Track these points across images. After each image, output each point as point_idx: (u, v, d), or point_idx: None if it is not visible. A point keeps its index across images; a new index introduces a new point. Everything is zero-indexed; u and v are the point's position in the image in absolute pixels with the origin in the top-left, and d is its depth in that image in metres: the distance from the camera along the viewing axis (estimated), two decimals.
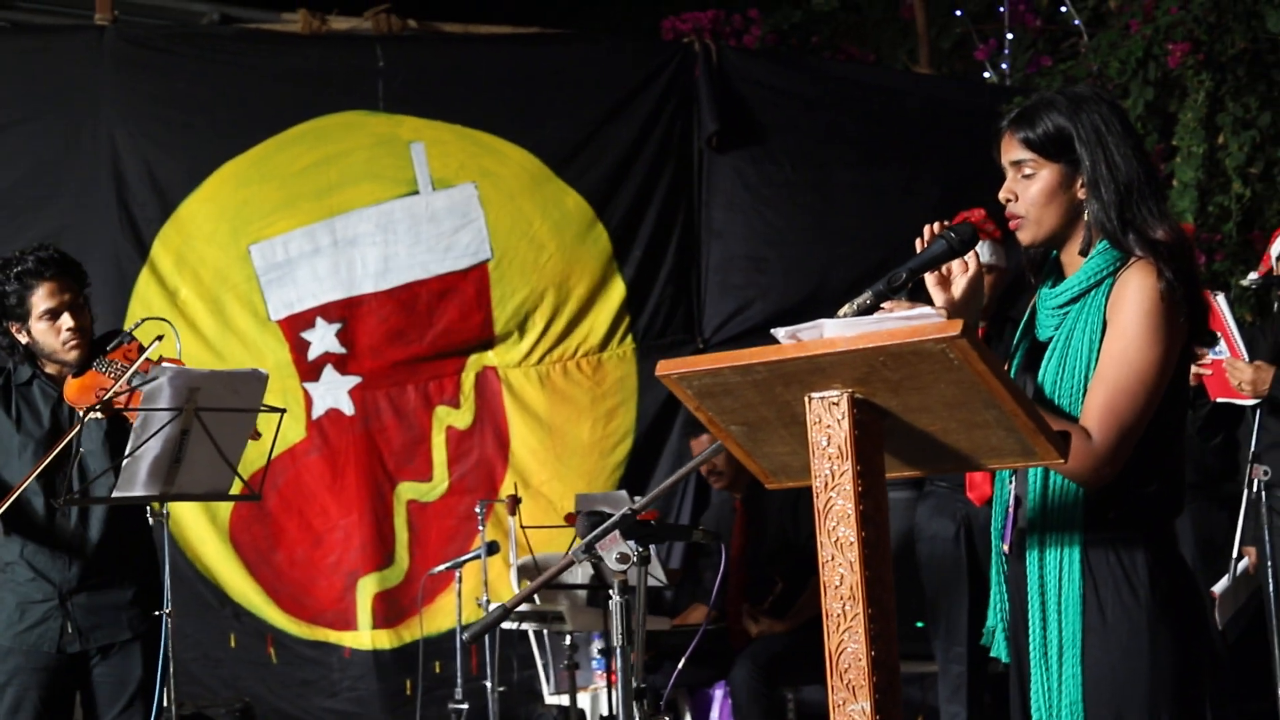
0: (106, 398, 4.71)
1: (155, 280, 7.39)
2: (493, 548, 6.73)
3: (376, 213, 7.70)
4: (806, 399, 2.77)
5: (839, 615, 2.73)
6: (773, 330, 2.81)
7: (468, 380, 7.81)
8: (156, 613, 4.92)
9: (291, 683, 7.44)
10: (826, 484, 2.75)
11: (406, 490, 7.69)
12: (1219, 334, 5.88)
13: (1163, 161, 8.55)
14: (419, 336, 7.74)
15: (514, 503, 6.95)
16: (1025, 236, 3.24)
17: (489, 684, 6.59)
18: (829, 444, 2.75)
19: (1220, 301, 5.94)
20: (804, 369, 2.73)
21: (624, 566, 3.25)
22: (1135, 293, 3.04)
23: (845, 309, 3.09)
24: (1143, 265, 3.05)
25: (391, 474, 7.68)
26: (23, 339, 5.00)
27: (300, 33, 7.75)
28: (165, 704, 4.98)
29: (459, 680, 6.77)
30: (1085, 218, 3.17)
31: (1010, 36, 9.48)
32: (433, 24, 8.00)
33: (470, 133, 7.86)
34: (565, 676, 6.64)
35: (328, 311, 7.63)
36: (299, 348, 7.59)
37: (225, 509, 7.37)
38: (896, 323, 2.67)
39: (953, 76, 9.80)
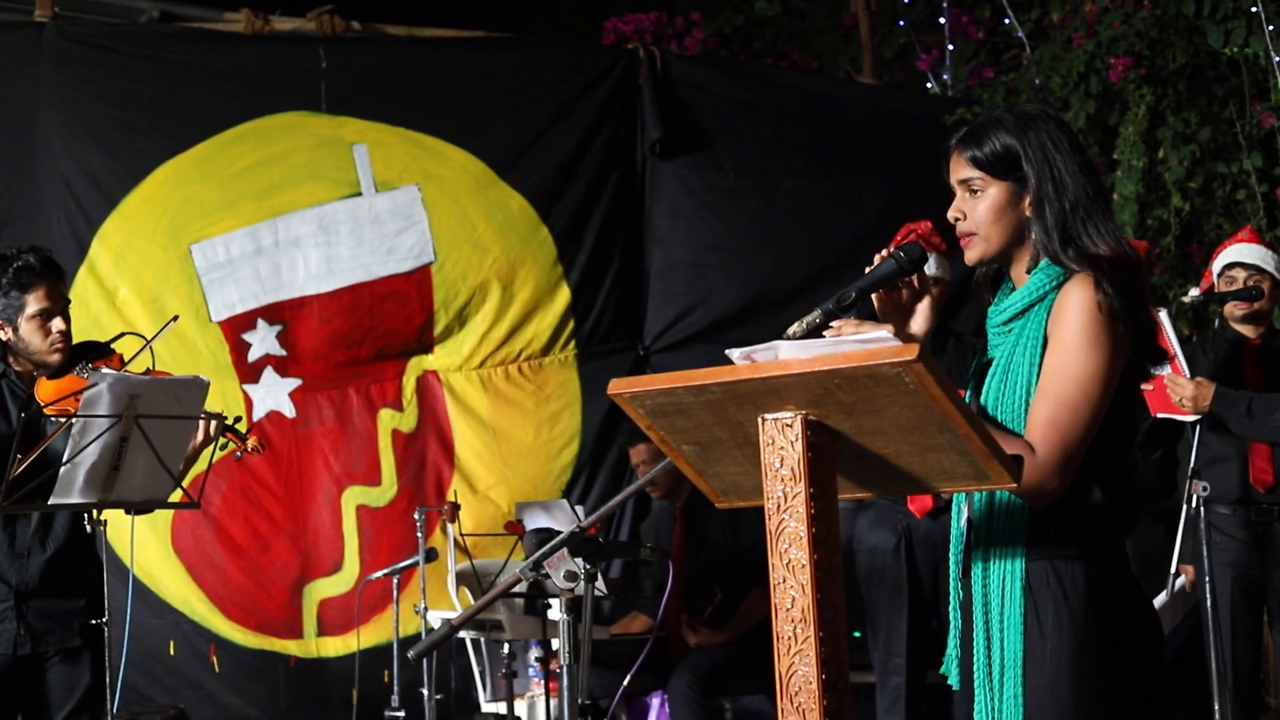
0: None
1: (94, 279, 7.30)
2: (431, 554, 6.70)
3: (319, 214, 7.64)
4: (760, 420, 2.76)
5: (790, 638, 2.72)
6: (727, 351, 2.80)
7: (409, 383, 7.76)
8: (94, 621, 4.88)
9: (235, 691, 7.35)
10: (779, 506, 2.74)
11: (355, 495, 7.62)
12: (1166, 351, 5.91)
13: (1103, 175, 8.59)
14: (360, 339, 7.67)
15: (453, 509, 6.92)
16: (973, 254, 3.24)
17: (425, 691, 6.54)
18: (782, 466, 2.74)
19: (1163, 317, 5.97)
20: (758, 390, 2.72)
21: (571, 584, 3.23)
22: (1073, 306, 3.04)
23: (794, 328, 3.08)
24: (1081, 279, 3.06)
25: (338, 478, 7.61)
26: (3, 335, 4.99)
27: (243, 32, 7.68)
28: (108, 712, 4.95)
29: (395, 688, 6.73)
30: (1030, 235, 3.18)
31: (951, 47, 9.50)
32: (376, 26, 7.95)
33: (413, 135, 7.81)
34: (503, 684, 6.61)
35: (269, 313, 7.56)
36: (239, 349, 7.51)
37: (166, 514, 7.27)
38: (852, 345, 2.66)
39: (896, 86, 9.82)
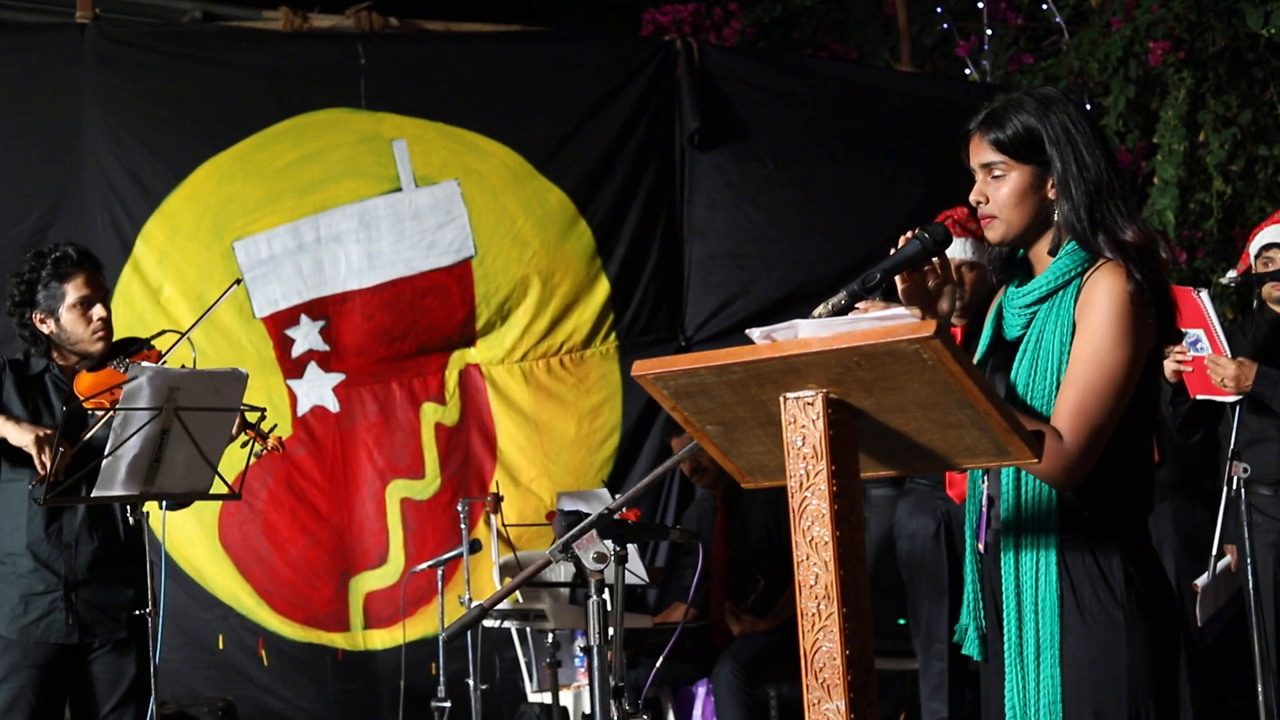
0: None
1: (139, 278, 7.37)
2: (474, 546, 6.73)
3: (359, 210, 7.69)
4: (782, 399, 2.78)
5: (814, 614, 2.74)
6: (748, 331, 2.83)
7: (451, 377, 7.81)
8: (138, 612, 4.94)
9: (283, 684, 7.41)
10: (801, 484, 2.76)
11: (399, 488, 7.67)
12: (1200, 330, 5.90)
13: (1144, 159, 8.58)
14: (403, 333, 7.72)
15: (495, 501, 6.96)
16: (994, 235, 3.26)
17: (471, 682, 6.58)
18: (804, 444, 2.76)
19: (1203, 298, 5.96)
20: (779, 369, 2.74)
21: (601, 566, 3.26)
22: (1104, 295, 3.06)
23: (820, 309, 3.11)
24: (1112, 267, 3.07)
25: (382, 471, 7.67)
26: (46, 329, 5.10)
27: (282, 30, 7.73)
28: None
29: (441, 679, 6.77)
30: (1055, 218, 3.19)
31: (990, 34, 9.49)
32: (414, 22, 7.98)
33: (452, 130, 7.85)
34: (548, 674, 6.65)
35: (311, 309, 7.61)
36: (283, 345, 7.57)
37: (213, 509, 7.34)
38: (871, 323, 2.68)
39: (934, 74, 9.81)
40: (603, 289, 8.02)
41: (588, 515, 3.35)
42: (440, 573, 6.80)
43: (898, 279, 3.26)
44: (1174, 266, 7.16)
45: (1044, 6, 9.38)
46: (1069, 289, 3.14)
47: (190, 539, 7.34)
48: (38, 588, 5.07)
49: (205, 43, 7.75)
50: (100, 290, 5.18)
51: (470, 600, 6.68)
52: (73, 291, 5.10)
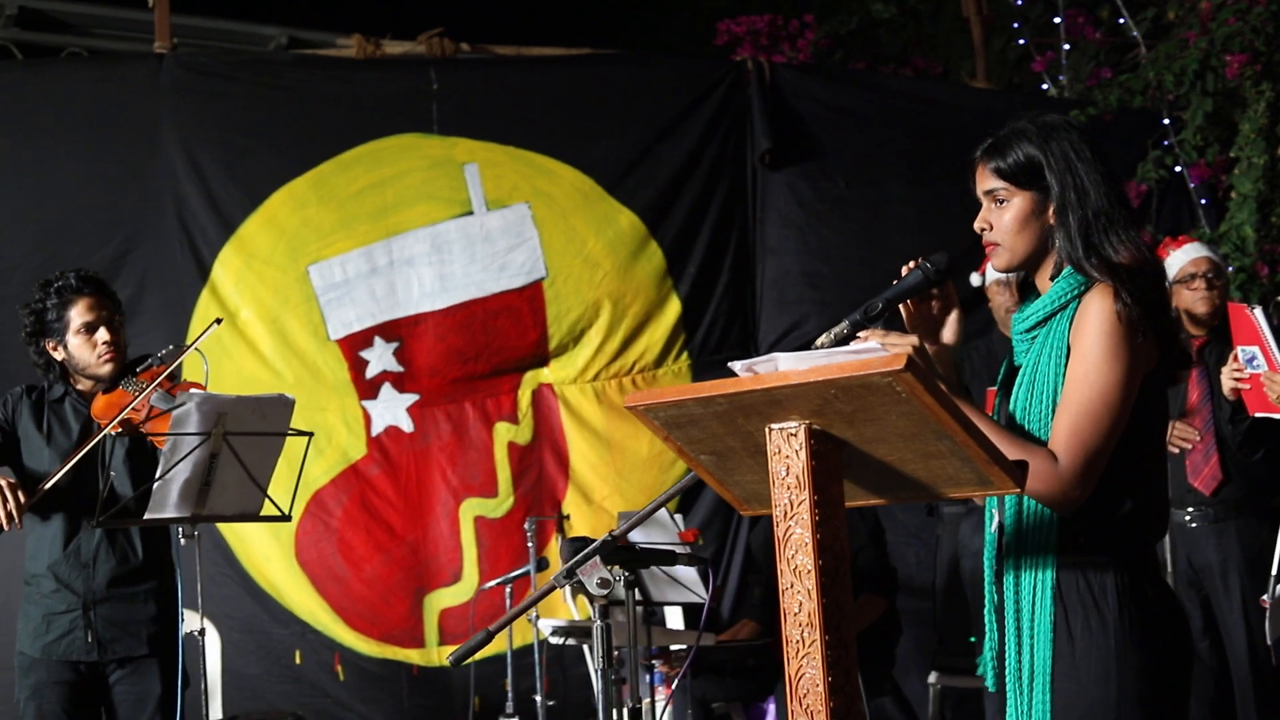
0: (122, 414, 4.91)
1: (216, 301, 7.54)
2: (542, 564, 6.82)
3: (432, 233, 7.82)
4: (767, 430, 2.84)
5: (798, 641, 2.80)
6: (730, 363, 2.89)
7: (524, 397, 7.91)
8: (190, 630, 5.07)
9: (359, 699, 7.55)
10: (786, 513, 2.82)
11: (473, 506, 7.78)
12: (1256, 347, 5.86)
13: (1223, 173, 8.51)
14: (475, 354, 7.83)
15: (560, 520, 7.04)
16: (999, 262, 3.30)
17: (538, 698, 6.68)
18: (788, 474, 2.82)
19: (1258, 315, 5.92)
20: (762, 401, 2.80)
21: (604, 592, 3.33)
22: (1094, 316, 3.09)
23: (823, 338, 3.18)
24: (1102, 288, 3.10)
25: (456, 490, 7.78)
26: (58, 356, 5.25)
27: (355, 57, 7.90)
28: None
29: (510, 694, 6.87)
30: (1054, 243, 3.23)
31: (1067, 48, 9.45)
32: (485, 47, 8.11)
33: (523, 154, 7.96)
34: (623, 690, 6.71)
35: (385, 330, 7.74)
36: (357, 366, 7.70)
37: (289, 527, 7.48)
38: (846, 357, 2.73)
39: (1008, 90, 9.79)
40: (674, 309, 8.09)
41: (591, 541, 3.41)
42: (509, 590, 6.90)
43: (902, 308, 3.31)
44: (1257, 282, 7.14)
45: (1120, 21, 9.34)
46: (1065, 313, 3.18)
47: (267, 556, 7.49)
48: (59, 607, 5.21)
49: (280, 71, 7.91)
50: (105, 313, 5.30)
51: (537, 619, 6.78)
52: (77, 317, 5.23)
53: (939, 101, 8.80)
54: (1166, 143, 8.50)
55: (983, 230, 3.32)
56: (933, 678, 7.29)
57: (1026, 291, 3.37)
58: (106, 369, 5.25)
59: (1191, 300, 6.46)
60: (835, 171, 8.39)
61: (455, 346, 7.80)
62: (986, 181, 3.31)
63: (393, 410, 7.74)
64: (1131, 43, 9.41)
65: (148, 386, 5.05)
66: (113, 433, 5.04)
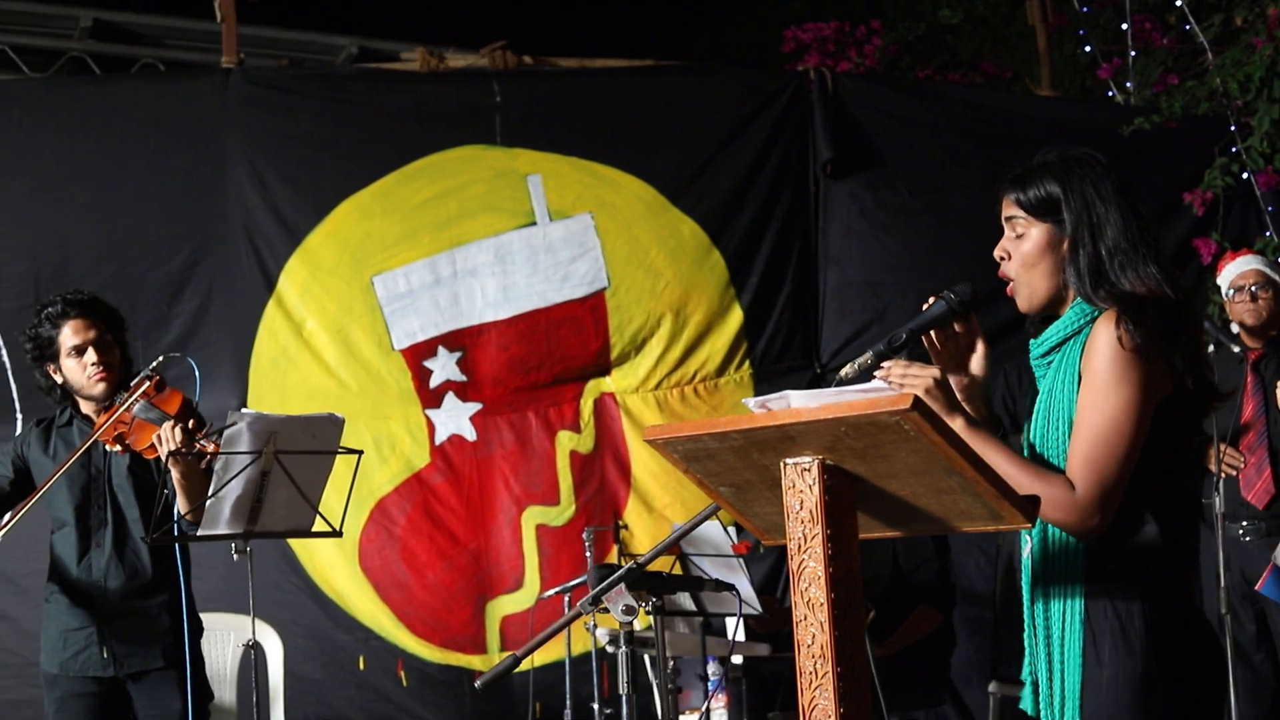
0: (104, 426, 5.02)
1: (282, 312, 7.65)
2: None
3: (495, 244, 7.90)
4: (782, 464, 2.89)
5: (811, 673, 2.84)
6: (743, 400, 2.94)
7: (587, 406, 7.97)
8: (247, 642, 5.16)
9: (422, 704, 7.63)
10: (800, 546, 2.87)
11: (535, 514, 7.85)
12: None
13: None
14: (538, 364, 7.90)
15: (617, 529, 7.10)
16: (1021, 303, 3.36)
17: (595, 706, 6.74)
18: (801, 508, 2.86)
19: None
20: (775, 437, 2.85)
21: (630, 618, 3.38)
22: (1100, 343, 3.13)
23: (848, 369, 3.22)
24: (1106, 316, 3.15)
25: (518, 498, 7.85)
26: (59, 379, 5.35)
27: (419, 71, 7.98)
28: None
29: (568, 703, 6.93)
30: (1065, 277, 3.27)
31: (1134, 55, 9.40)
32: (548, 59, 8.17)
33: (586, 164, 8.02)
34: (686, 696, 6.77)
35: (449, 340, 7.82)
36: (421, 376, 7.79)
37: (353, 536, 7.58)
38: (854, 395, 2.78)
39: (1073, 97, 9.75)
40: (736, 318, 8.13)
41: (617, 568, 3.47)
42: (567, 599, 6.95)
43: (925, 340, 3.35)
44: None
45: (1187, 27, 9.28)
46: (1077, 339, 3.22)
47: (331, 564, 7.59)
48: (74, 624, 5.34)
49: (345, 85, 8.01)
50: (94, 334, 5.37)
51: (595, 627, 6.84)
52: (66, 340, 5.33)
53: (1003, 109, 8.77)
54: (1234, 149, 8.44)
55: (1001, 259, 3.37)
56: (993, 687, 7.29)
57: (1046, 325, 3.40)
58: (99, 389, 5.34)
59: (1240, 312, 6.47)
60: (898, 180, 8.39)
61: (518, 356, 7.87)
62: (1008, 209, 3.37)
63: (456, 419, 7.82)
64: (1198, 49, 9.36)
65: (129, 398, 5.13)
66: (108, 448, 5.16)
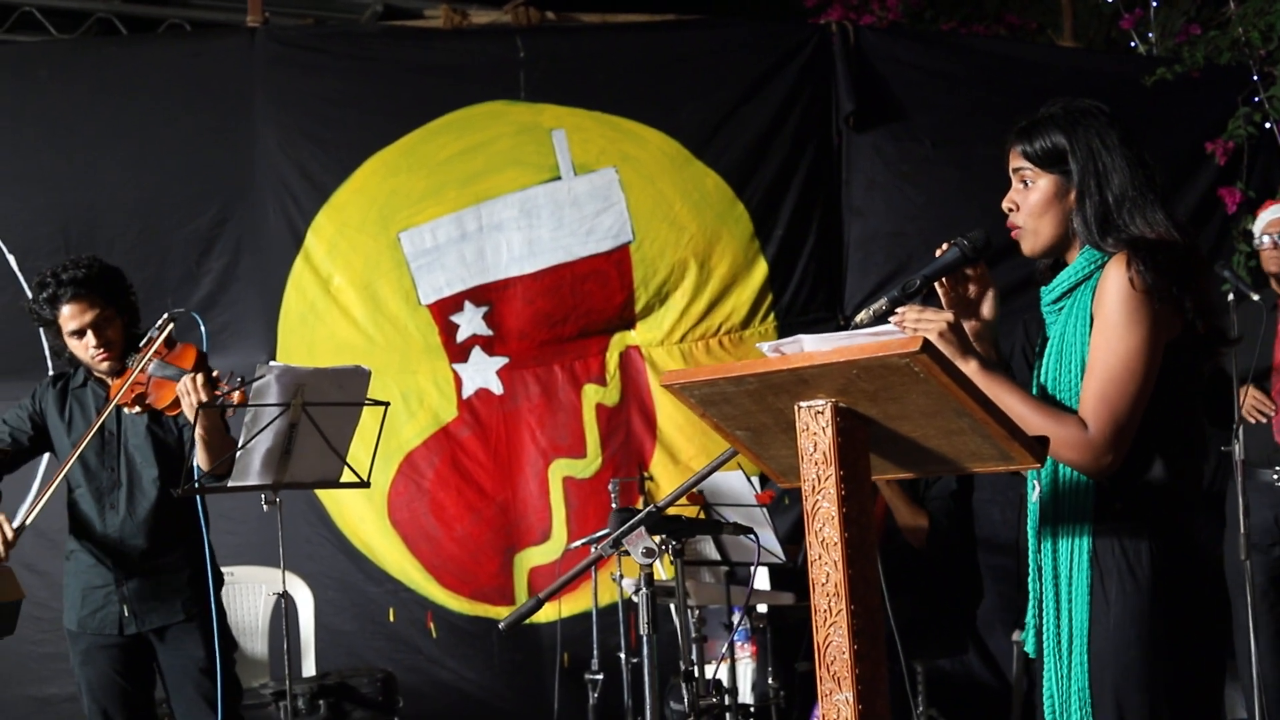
0: (122, 390, 5.06)
1: (310, 268, 7.73)
2: None
3: (520, 199, 7.95)
4: (796, 407, 2.94)
5: (825, 610, 2.90)
6: (758, 344, 3.00)
7: (612, 359, 8.03)
8: (273, 594, 5.23)
9: (451, 655, 7.73)
10: (814, 487, 2.92)
11: (562, 467, 7.93)
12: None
13: None
14: (564, 318, 7.96)
15: (642, 480, 7.16)
16: (1026, 247, 3.40)
17: (622, 655, 6.82)
18: (815, 450, 2.92)
19: None
20: (789, 380, 2.91)
21: (650, 560, 3.45)
22: (1110, 285, 3.18)
23: (863, 314, 3.29)
24: (1116, 259, 3.20)
25: (545, 451, 7.93)
26: (69, 350, 5.38)
27: (443, 28, 8.02)
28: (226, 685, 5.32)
29: (595, 652, 7.01)
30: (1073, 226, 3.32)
31: (1156, 5, 9.39)
32: (571, 15, 8.21)
33: (610, 119, 8.06)
34: (712, 646, 6.83)
35: (475, 295, 7.89)
36: (448, 330, 7.86)
37: (381, 489, 7.67)
38: (865, 338, 2.83)
39: (1096, 48, 9.74)
40: (761, 270, 8.17)
41: (637, 512, 3.53)
42: (595, 550, 7.02)
43: (937, 287, 3.40)
44: None
45: None
46: (1088, 283, 3.27)
47: (361, 517, 7.68)
48: (95, 582, 5.40)
49: (369, 43, 8.06)
50: (91, 316, 5.31)
51: (621, 577, 6.92)
52: (65, 323, 5.31)
53: (1025, 60, 8.76)
54: (1256, 99, 8.43)
55: (1010, 210, 3.42)
56: (1017, 635, 7.35)
57: (1057, 272, 3.45)
58: (104, 367, 5.35)
59: (1266, 260, 6.49)
60: (921, 132, 8.40)
61: (544, 310, 7.94)
62: (1016, 160, 3.42)
63: (483, 373, 7.89)
64: None
65: (143, 358, 5.17)
66: (128, 410, 5.20)
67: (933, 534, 6.79)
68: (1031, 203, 3.36)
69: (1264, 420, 6.42)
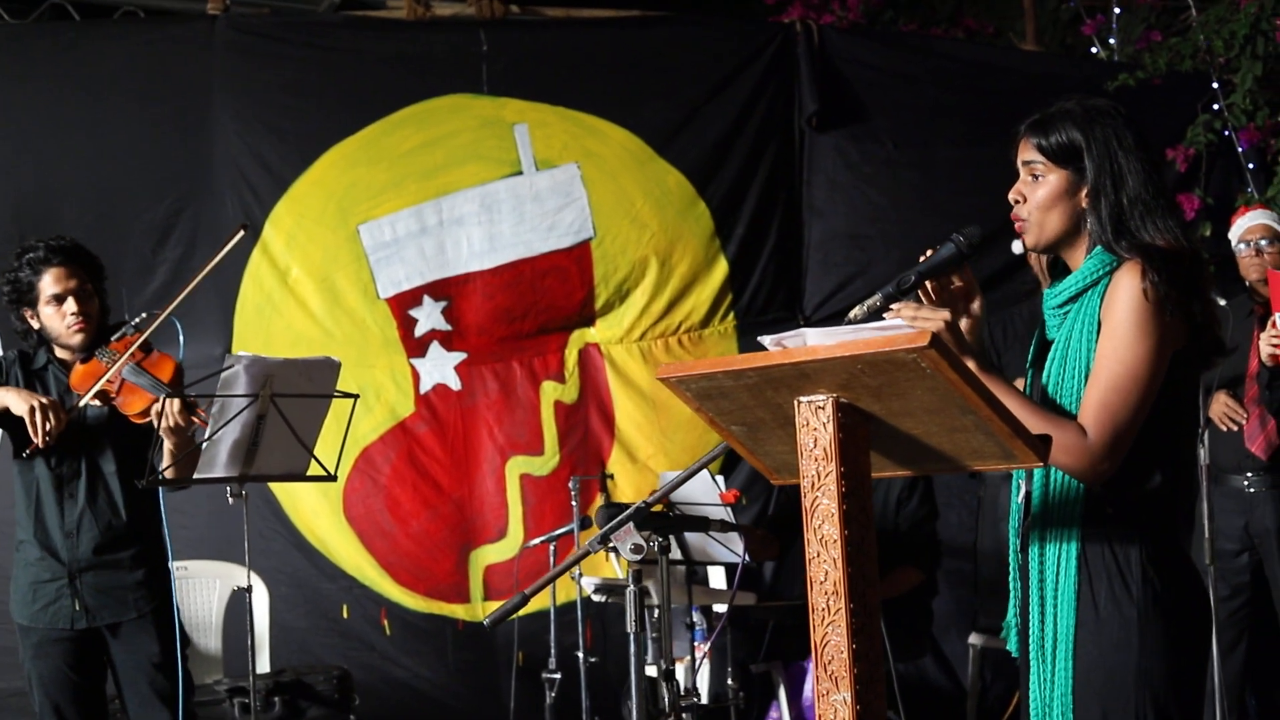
0: (96, 386, 4.96)
1: (267, 260, 7.64)
2: (585, 523, 6.90)
3: (481, 193, 7.89)
4: (795, 402, 2.90)
5: (824, 609, 2.86)
6: (760, 337, 2.95)
7: (571, 356, 7.98)
8: (238, 588, 5.15)
9: (405, 653, 7.66)
10: (813, 484, 2.88)
11: (519, 464, 7.87)
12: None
13: (1272, 137, 8.49)
14: (523, 314, 7.90)
15: (603, 479, 7.11)
16: (1029, 240, 3.35)
17: (580, 654, 6.77)
18: (815, 446, 2.88)
19: None
20: (791, 374, 2.86)
21: (637, 557, 3.40)
22: (1123, 293, 3.14)
23: (856, 311, 3.23)
24: (1130, 266, 3.16)
25: (502, 448, 7.86)
26: (36, 324, 5.28)
27: (406, 19, 7.96)
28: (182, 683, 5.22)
29: (553, 651, 6.96)
30: (1086, 226, 3.28)
31: (1118, 11, 9.41)
32: (535, 9, 8.15)
33: (573, 114, 8.01)
34: (656, 648, 6.77)
35: (434, 289, 7.82)
36: (406, 325, 7.78)
37: (337, 484, 7.57)
38: (872, 333, 2.79)
39: (1056, 52, 9.76)
40: (721, 269, 8.13)
41: (629, 507, 3.48)
42: (553, 548, 6.98)
43: (927, 282, 3.36)
44: None
45: None
46: (1096, 289, 3.23)
47: (316, 512, 7.60)
48: (44, 575, 5.26)
49: (331, 32, 7.98)
50: (75, 283, 5.27)
51: (580, 576, 6.86)
52: (47, 288, 5.23)
53: (988, 63, 8.77)
54: (1216, 107, 8.46)
55: (1016, 201, 3.38)
56: (973, 638, 7.35)
57: (1057, 272, 3.42)
58: (77, 339, 5.26)
59: (1244, 267, 6.49)
60: (883, 134, 8.39)
61: (503, 305, 7.87)
62: (1027, 153, 3.37)
63: (441, 368, 7.82)
64: (1182, 6, 9.37)
65: (120, 357, 5.07)
66: (94, 405, 5.11)
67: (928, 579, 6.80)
68: (1040, 197, 3.32)
69: (1235, 428, 6.43)
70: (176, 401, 4.92)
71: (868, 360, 2.75)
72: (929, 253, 3.35)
